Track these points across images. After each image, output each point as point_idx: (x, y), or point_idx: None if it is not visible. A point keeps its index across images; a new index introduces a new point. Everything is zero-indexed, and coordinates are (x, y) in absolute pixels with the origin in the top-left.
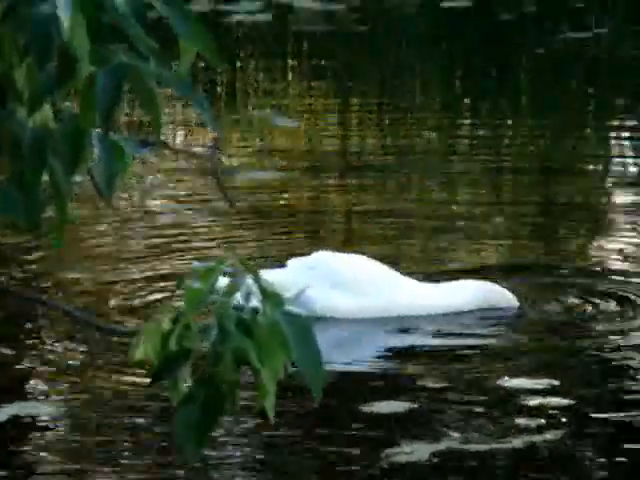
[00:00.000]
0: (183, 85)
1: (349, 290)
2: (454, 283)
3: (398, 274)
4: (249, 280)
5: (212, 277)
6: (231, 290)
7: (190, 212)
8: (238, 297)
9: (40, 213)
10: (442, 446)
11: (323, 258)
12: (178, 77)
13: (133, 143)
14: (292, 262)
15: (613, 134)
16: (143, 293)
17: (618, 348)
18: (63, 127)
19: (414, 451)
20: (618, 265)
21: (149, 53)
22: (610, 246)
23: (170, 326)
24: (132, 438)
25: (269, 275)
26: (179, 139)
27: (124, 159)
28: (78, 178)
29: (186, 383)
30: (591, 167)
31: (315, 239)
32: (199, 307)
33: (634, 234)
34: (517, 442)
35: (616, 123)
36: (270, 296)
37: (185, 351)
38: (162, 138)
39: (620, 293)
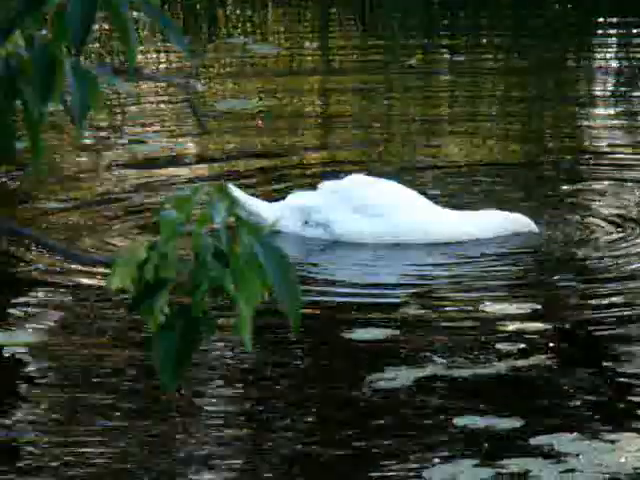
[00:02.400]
0: (152, 8)
1: (374, 215)
2: (481, 212)
3: (427, 201)
4: (224, 209)
5: (188, 206)
6: (206, 219)
7: (170, 141)
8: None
9: (13, 143)
10: (426, 372)
11: (353, 182)
12: (152, 6)
13: (106, 71)
14: (323, 185)
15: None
16: (127, 224)
17: (611, 276)
18: (35, 55)
19: (397, 377)
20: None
21: None
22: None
23: (145, 255)
24: (114, 368)
25: (299, 197)
26: (157, 67)
27: (97, 87)
28: (51, 107)
29: (164, 312)
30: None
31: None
32: (175, 236)
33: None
34: (500, 367)
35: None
36: (247, 226)
37: (162, 280)
38: (137, 66)
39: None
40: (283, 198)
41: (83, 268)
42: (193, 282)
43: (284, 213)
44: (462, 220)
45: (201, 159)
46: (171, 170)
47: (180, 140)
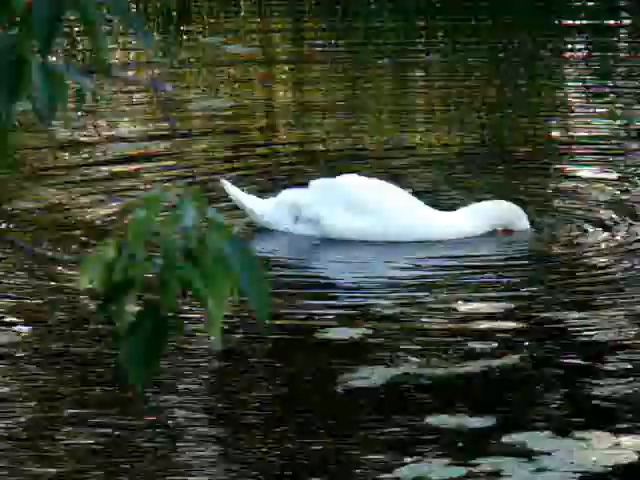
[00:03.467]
0: (118, 5)
1: (362, 213)
2: (470, 207)
3: (417, 200)
4: (192, 209)
5: (156, 206)
6: (175, 219)
7: (144, 140)
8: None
9: None
10: (399, 371)
11: (345, 180)
12: (120, 4)
13: (74, 70)
14: (314, 183)
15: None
16: (94, 223)
17: (585, 274)
18: (2, 55)
19: (371, 375)
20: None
21: None
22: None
23: (114, 255)
24: (89, 367)
25: (291, 194)
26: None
27: (64, 86)
28: (19, 106)
29: (132, 312)
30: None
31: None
32: (143, 236)
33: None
34: (473, 366)
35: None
36: (215, 225)
37: (130, 280)
38: (105, 65)
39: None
40: (274, 195)
41: (54, 268)
42: (161, 281)
43: (276, 209)
44: (453, 218)
45: (177, 157)
46: (145, 168)
47: (154, 140)
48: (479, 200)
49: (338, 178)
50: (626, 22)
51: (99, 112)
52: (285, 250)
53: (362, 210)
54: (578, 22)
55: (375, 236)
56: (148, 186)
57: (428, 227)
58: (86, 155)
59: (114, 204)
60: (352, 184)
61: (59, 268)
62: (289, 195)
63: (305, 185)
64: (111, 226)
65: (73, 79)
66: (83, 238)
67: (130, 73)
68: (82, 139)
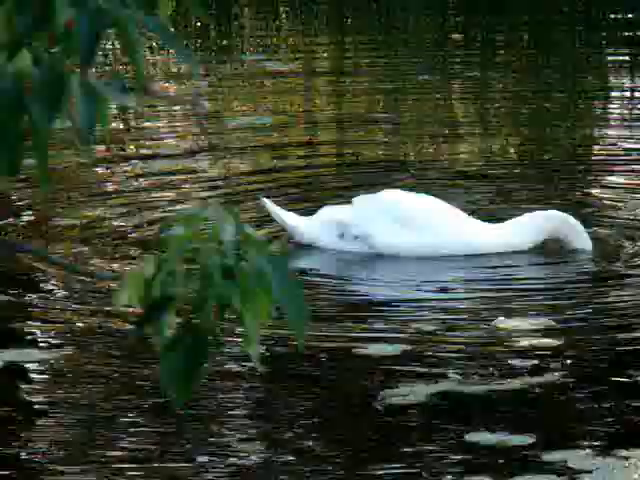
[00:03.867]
0: (157, 25)
1: (411, 228)
2: (519, 219)
3: (463, 214)
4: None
5: (194, 223)
6: (214, 236)
7: (184, 158)
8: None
9: (19, 159)
10: (440, 388)
11: (388, 196)
12: (159, 23)
13: (114, 89)
14: (358, 199)
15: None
16: (134, 239)
17: (630, 292)
18: (43, 72)
19: (411, 393)
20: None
21: None
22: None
23: (153, 272)
24: (123, 384)
25: (334, 210)
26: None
27: (104, 105)
28: (59, 124)
29: (170, 329)
30: None
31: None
32: (182, 253)
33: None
34: (514, 383)
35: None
36: (253, 242)
37: (169, 297)
38: (145, 84)
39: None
40: (314, 212)
41: (89, 284)
42: (200, 299)
43: (319, 226)
44: (501, 231)
45: (216, 177)
46: (184, 187)
47: (194, 157)
48: (526, 211)
49: (381, 193)
50: None
51: (139, 128)
52: (330, 267)
53: (411, 225)
54: (619, 33)
55: (425, 251)
56: (188, 203)
57: (477, 241)
58: (126, 171)
59: (153, 221)
60: (399, 199)
61: (97, 284)
62: (332, 212)
63: (346, 202)
64: (151, 243)
65: (113, 97)
66: (123, 254)
67: (169, 90)
68: (122, 154)
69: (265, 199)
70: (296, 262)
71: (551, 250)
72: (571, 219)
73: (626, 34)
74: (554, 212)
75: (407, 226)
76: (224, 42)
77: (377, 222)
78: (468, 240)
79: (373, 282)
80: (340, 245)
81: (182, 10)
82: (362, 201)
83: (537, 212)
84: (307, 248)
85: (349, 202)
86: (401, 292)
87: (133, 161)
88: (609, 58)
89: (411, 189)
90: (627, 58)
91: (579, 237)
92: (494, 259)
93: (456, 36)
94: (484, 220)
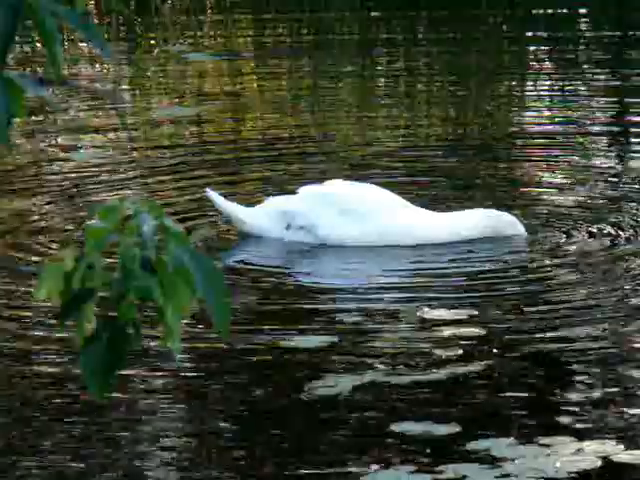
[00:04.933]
0: (75, 17)
1: (356, 218)
2: (463, 212)
3: (408, 203)
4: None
5: (114, 216)
6: (133, 229)
7: (105, 150)
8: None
9: None
10: (365, 379)
11: (334, 186)
12: (71, 10)
13: (30, 81)
14: (304, 189)
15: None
16: (58, 233)
17: (551, 282)
18: None
19: (337, 384)
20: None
21: None
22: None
23: (72, 265)
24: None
25: (280, 201)
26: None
27: (21, 96)
28: None
29: (90, 323)
30: None
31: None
32: (101, 246)
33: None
34: (438, 373)
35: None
36: (173, 234)
37: (89, 290)
38: (63, 75)
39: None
40: (259, 202)
41: (11, 279)
42: (119, 292)
43: (265, 217)
44: (447, 222)
45: (140, 167)
46: (108, 178)
47: (116, 149)
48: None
49: (327, 184)
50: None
51: (57, 123)
52: (270, 258)
53: (355, 215)
54: (542, 11)
55: (370, 241)
56: (110, 196)
57: (420, 231)
58: (47, 165)
59: (74, 215)
60: (344, 190)
61: (19, 279)
62: (278, 202)
63: (291, 192)
64: (71, 237)
65: (31, 91)
66: (43, 248)
67: (87, 83)
68: (44, 149)
69: (210, 190)
70: (222, 253)
71: (482, 240)
72: (506, 216)
73: (551, 10)
74: (492, 211)
75: (351, 216)
76: (148, 33)
77: (322, 212)
78: (410, 230)
79: (307, 273)
80: (286, 235)
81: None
82: (308, 191)
83: (478, 210)
84: (252, 239)
85: (294, 192)
86: (332, 284)
87: (56, 153)
88: (530, 47)
89: (325, 174)
90: (545, 34)
91: (515, 228)
92: (427, 249)
93: (377, 50)
94: (430, 208)
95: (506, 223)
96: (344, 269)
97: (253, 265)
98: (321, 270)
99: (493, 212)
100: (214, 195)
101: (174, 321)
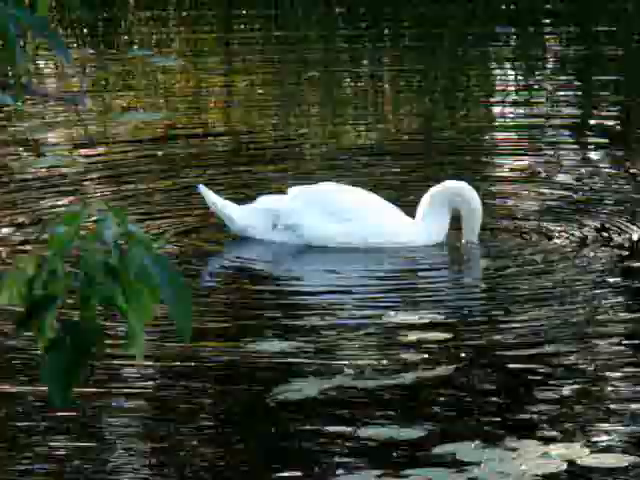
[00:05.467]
0: (37, 22)
1: (340, 220)
2: (423, 208)
3: (394, 207)
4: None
5: (76, 222)
6: (97, 234)
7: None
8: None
9: None
10: (332, 383)
11: (323, 188)
12: (34, 17)
13: None
14: (293, 189)
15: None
16: (24, 237)
17: (516, 284)
18: None
19: (304, 388)
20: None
21: None
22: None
23: (35, 271)
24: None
25: (269, 200)
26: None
27: None
28: None
29: (51, 329)
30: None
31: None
32: (64, 252)
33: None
34: (405, 377)
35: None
36: (137, 240)
37: (51, 297)
38: (26, 83)
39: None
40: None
41: None
42: (82, 297)
43: (253, 216)
44: (421, 225)
45: (107, 173)
46: (70, 185)
47: (79, 152)
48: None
49: (317, 185)
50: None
51: (22, 125)
52: (250, 260)
53: (340, 217)
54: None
55: (352, 243)
56: (72, 201)
57: (398, 235)
58: (10, 171)
59: (36, 219)
60: (330, 191)
61: None
62: (267, 202)
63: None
64: (33, 242)
65: None
66: (3, 254)
67: (50, 88)
68: (7, 154)
69: (202, 186)
70: (205, 254)
71: (449, 245)
72: (463, 185)
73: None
74: (449, 182)
75: (336, 217)
76: (113, 38)
77: (307, 213)
78: (390, 233)
79: (279, 275)
80: (272, 235)
81: (66, 7)
82: (296, 192)
83: (433, 187)
84: (237, 239)
85: (284, 192)
86: (301, 286)
87: (19, 158)
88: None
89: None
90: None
91: (473, 200)
92: (406, 253)
93: (312, 74)
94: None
95: (465, 191)
96: (316, 271)
97: (229, 266)
98: (293, 272)
99: (448, 184)
100: (206, 191)
101: (137, 326)
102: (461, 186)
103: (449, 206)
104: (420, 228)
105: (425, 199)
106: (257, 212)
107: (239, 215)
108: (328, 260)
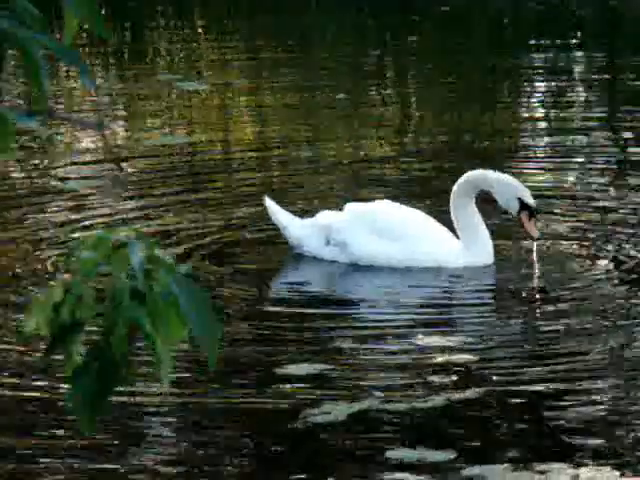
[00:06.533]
0: (65, 52)
1: (387, 239)
2: (466, 230)
3: (441, 228)
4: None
5: (104, 247)
6: (123, 260)
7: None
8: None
9: None
10: (361, 406)
11: (378, 206)
12: (61, 44)
13: (18, 113)
14: (349, 206)
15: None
16: (50, 262)
17: (546, 309)
18: None
19: (333, 411)
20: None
21: (32, 21)
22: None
23: (61, 297)
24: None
25: (326, 216)
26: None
27: (8, 130)
28: None
29: (78, 355)
30: None
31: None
32: (90, 277)
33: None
34: (435, 400)
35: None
36: (164, 265)
37: (78, 322)
38: (50, 107)
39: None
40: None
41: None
42: (110, 324)
43: (308, 231)
44: (462, 247)
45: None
46: (98, 207)
47: (106, 178)
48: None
49: (373, 204)
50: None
51: (45, 153)
52: (299, 276)
53: (388, 237)
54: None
55: (398, 263)
56: (99, 225)
57: (443, 256)
58: (36, 195)
59: (64, 245)
60: (381, 210)
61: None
62: (324, 217)
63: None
64: (60, 268)
65: (18, 120)
66: (32, 280)
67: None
68: (33, 179)
69: (267, 198)
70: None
71: (479, 269)
72: (481, 172)
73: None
74: (471, 173)
75: (383, 237)
76: (140, 62)
77: (355, 230)
78: (436, 255)
79: (312, 297)
80: (323, 252)
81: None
82: (351, 209)
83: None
84: (293, 254)
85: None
86: (333, 308)
87: (43, 185)
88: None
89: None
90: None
91: (495, 178)
92: (444, 275)
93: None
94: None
95: (477, 178)
96: (356, 290)
97: (271, 285)
98: (326, 294)
99: (468, 175)
100: (271, 203)
101: (164, 351)
102: (477, 171)
103: (474, 192)
104: (467, 251)
105: (452, 197)
106: (312, 227)
107: (296, 229)
108: (367, 280)
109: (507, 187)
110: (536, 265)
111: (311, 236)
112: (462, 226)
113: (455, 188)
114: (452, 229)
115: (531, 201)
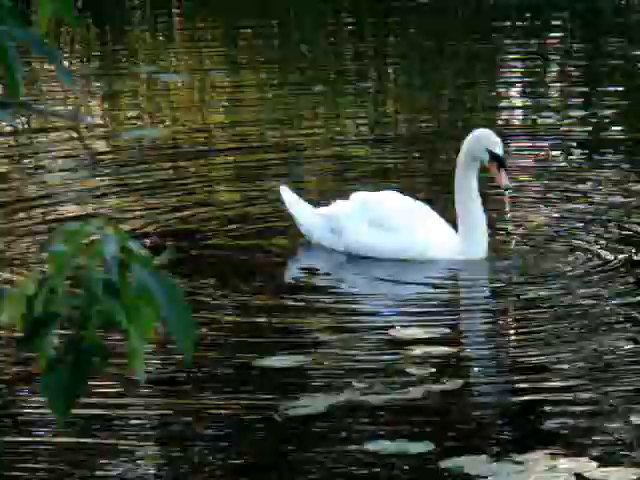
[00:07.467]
0: (35, 41)
1: (381, 230)
2: (464, 225)
3: (441, 220)
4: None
5: (77, 240)
6: (97, 252)
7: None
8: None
9: None
10: (339, 398)
11: (382, 196)
12: (31, 34)
13: None
14: (355, 195)
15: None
16: (19, 257)
17: (523, 298)
18: None
19: (312, 404)
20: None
21: (3, 12)
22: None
23: (35, 290)
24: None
25: (334, 206)
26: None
27: None
28: None
29: (53, 346)
30: None
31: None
32: (64, 270)
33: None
34: (412, 392)
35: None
36: (137, 257)
37: (52, 315)
38: (23, 99)
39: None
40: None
41: None
42: (83, 316)
43: (316, 220)
44: (459, 238)
45: (105, 191)
46: (71, 201)
47: (82, 171)
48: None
49: (377, 194)
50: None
51: (23, 146)
52: (303, 264)
53: (383, 227)
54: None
55: (389, 255)
56: (72, 218)
57: (434, 248)
58: (10, 189)
59: (38, 238)
60: (381, 200)
61: None
62: (333, 207)
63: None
64: (33, 260)
65: None
66: (4, 274)
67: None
68: (6, 172)
69: (283, 187)
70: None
71: (471, 263)
72: (483, 131)
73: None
74: (480, 132)
75: (379, 227)
76: (117, 55)
77: (353, 220)
78: (430, 247)
79: (292, 289)
80: (328, 241)
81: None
82: (357, 198)
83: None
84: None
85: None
86: (313, 300)
87: (19, 179)
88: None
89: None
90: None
91: (497, 145)
92: (436, 267)
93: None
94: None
95: (484, 137)
96: (340, 283)
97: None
98: (315, 285)
99: (473, 134)
100: (286, 191)
101: (138, 344)
102: (480, 132)
103: (474, 154)
104: (462, 244)
105: (459, 160)
106: (320, 216)
107: (306, 218)
108: (359, 271)
109: (476, 139)
110: (508, 215)
111: (317, 225)
112: (463, 212)
113: (461, 159)
114: (450, 221)
115: (500, 151)
